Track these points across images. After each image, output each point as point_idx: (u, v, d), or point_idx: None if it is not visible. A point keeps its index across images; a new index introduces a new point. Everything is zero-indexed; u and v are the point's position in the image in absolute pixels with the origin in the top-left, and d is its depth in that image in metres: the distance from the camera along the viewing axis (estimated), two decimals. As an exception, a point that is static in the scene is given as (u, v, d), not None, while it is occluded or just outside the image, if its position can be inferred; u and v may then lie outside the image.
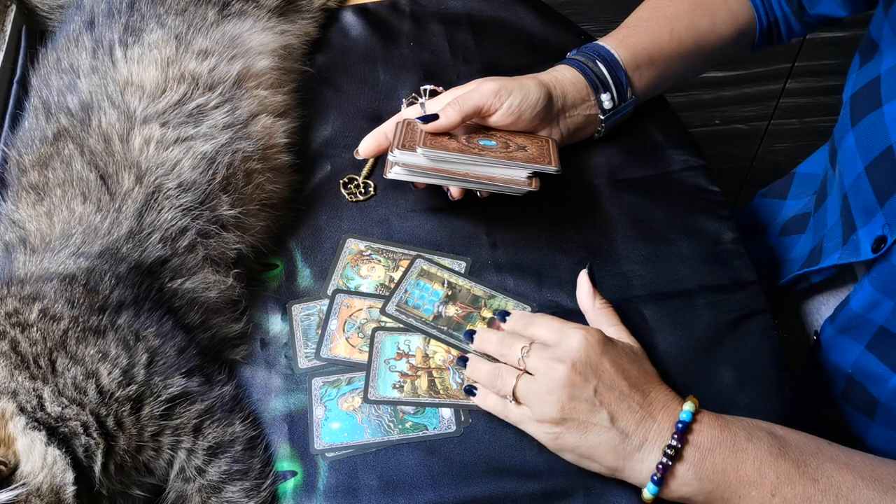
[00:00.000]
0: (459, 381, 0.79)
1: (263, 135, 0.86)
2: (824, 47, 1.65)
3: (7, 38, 0.98)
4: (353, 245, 0.88)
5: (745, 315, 0.83)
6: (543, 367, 0.72)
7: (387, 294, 0.84)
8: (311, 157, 0.94)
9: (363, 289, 0.85)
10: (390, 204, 0.91)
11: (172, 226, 0.78)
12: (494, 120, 0.86)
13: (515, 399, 0.74)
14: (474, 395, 0.77)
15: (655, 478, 0.69)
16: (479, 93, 0.84)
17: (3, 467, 0.63)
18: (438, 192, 0.89)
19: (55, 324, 0.70)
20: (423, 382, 0.79)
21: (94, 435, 0.67)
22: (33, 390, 0.67)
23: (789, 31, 1.00)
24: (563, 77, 0.89)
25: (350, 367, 0.80)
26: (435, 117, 0.83)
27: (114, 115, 0.80)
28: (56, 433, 0.67)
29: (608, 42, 0.93)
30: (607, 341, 0.74)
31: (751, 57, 1.23)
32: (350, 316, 0.83)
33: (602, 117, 0.91)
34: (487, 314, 0.83)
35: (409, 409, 0.78)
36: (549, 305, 0.84)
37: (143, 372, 0.71)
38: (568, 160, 0.84)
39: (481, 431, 0.77)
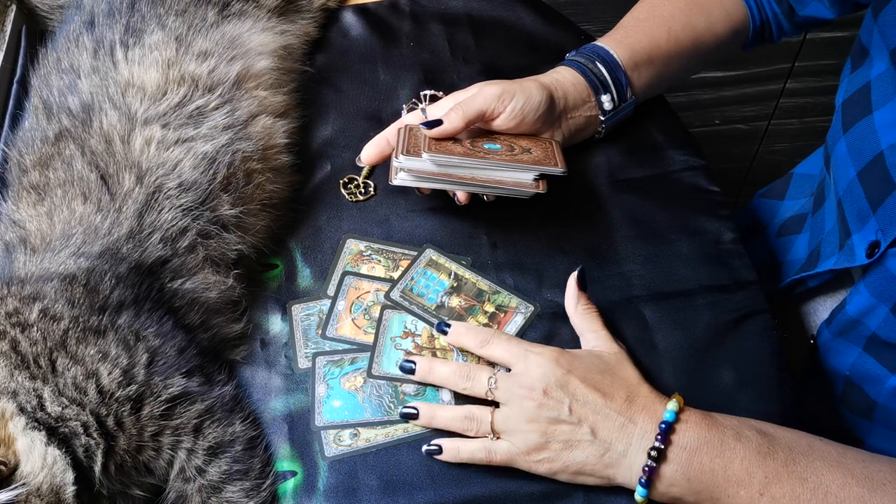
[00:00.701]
0: (464, 359, 0.79)
1: (263, 135, 0.86)
2: (824, 47, 1.65)
3: (7, 38, 0.98)
4: (353, 245, 0.88)
5: (745, 315, 0.83)
6: (516, 398, 0.72)
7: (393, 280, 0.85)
8: (311, 157, 0.94)
9: (363, 289, 0.85)
10: (390, 204, 0.91)
11: (173, 226, 0.78)
12: (498, 123, 0.86)
13: (495, 434, 0.73)
14: (441, 452, 0.74)
15: (642, 480, 0.70)
16: (481, 97, 0.84)
17: (3, 467, 0.63)
18: (439, 192, 0.89)
19: (55, 324, 0.70)
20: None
21: (95, 435, 0.67)
22: (33, 390, 0.67)
23: (780, 31, 1.00)
24: (564, 79, 0.89)
25: (354, 347, 0.81)
26: (439, 122, 0.83)
27: (115, 116, 0.80)
28: (56, 433, 0.67)
29: (606, 42, 0.93)
30: (570, 358, 0.74)
31: (751, 57, 1.24)
32: (358, 297, 0.84)
33: (602, 118, 0.92)
34: (490, 308, 0.83)
35: (410, 389, 0.78)
36: (549, 305, 0.84)
37: (143, 372, 0.71)
38: (568, 160, 0.84)
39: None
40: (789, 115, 1.80)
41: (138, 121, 0.80)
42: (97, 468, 0.67)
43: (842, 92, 0.91)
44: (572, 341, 0.80)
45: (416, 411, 0.75)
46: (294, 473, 0.75)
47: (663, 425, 0.70)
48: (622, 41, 0.93)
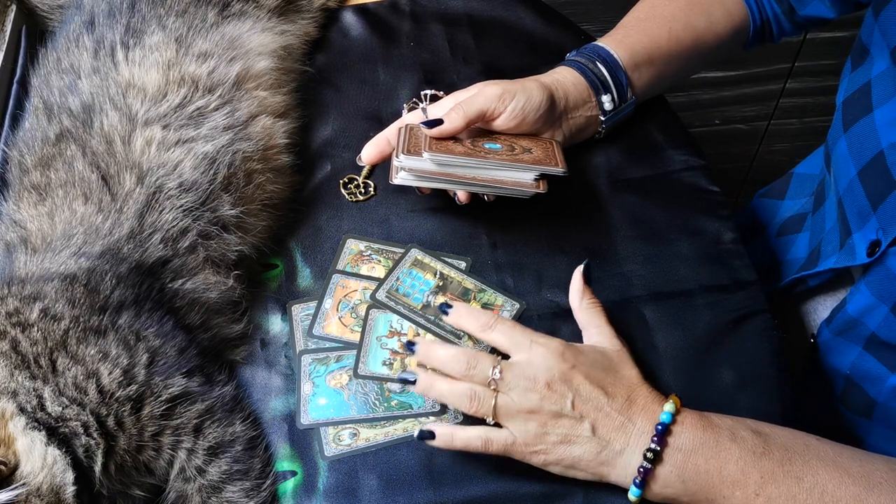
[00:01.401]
0: None
1: (263, 135, 0.86)
2: (824, 47, 1.65)
3: (7, 38, 0.98)
4: (353, 245, 0.88)
5: (745, 315, 0.83)
6: (519, 387, 0.71)
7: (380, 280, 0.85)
8: (311, 157, 0.94)
9: (363, 289, 0.86)
10: (390, 204, 0.91)
11: (173, 226, 0.78)
12: (498, 123, 0.86)
13: (494, 417, 0.72)
14: (433, 437, 0.71)
15: (637, 480, 0.70)
16: (482, 97, 0.84)
17: (3, 467, 0.63)
18: (439, 192, 0.89)
19: (56, 323, 0.70)
20: (412, 361, 0.79)
21: (95, 435, 0.67)
22: (33, 390, 0.67)
23: (780, 30, 1.00)
24: (565, 79, 0.89)
25: (340, 345, 0.81)
26: (439, 122, 0.83)
27: (115, 117, 0.80)
28: (56, 433, 0.67)
29: (607, 42, 0.93)
30: (575, 352, 0.73)
31: (751, 57, 1.24)
32: (345, 296, 0.84)
33: (603, 118, 0.92)
34: (476, 307, 0.83)
35: (395, 387, 0.79)
36: (549, 305, 0.84)
37: (143, 372, 0.71)
38: (568, 160, 0.84)
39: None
40: (789, 115, 1.80)
41: (139, 121, 0.81)
42: (97, 468, 0.67)
43: (842, 91, 0.91)
44: (572, 341, 0.80)
45: (414, 377, 0.73)
46: (294, 473, 0.75)
47: (660, 427, 0.70)
48: (623, 41, 0.93)
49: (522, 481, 0.74)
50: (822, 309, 0.98)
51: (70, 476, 0.65)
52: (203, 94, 0.84)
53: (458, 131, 0.84)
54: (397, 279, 0.85)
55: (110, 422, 0.68)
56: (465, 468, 0.75)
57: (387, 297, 0.84)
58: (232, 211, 0.81)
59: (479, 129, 0.87)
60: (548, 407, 0.70)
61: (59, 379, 0.68)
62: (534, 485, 0.74)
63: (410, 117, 0.90)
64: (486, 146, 0.84)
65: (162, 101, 0.82)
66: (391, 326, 0.82)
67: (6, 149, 0.85)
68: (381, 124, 0.94)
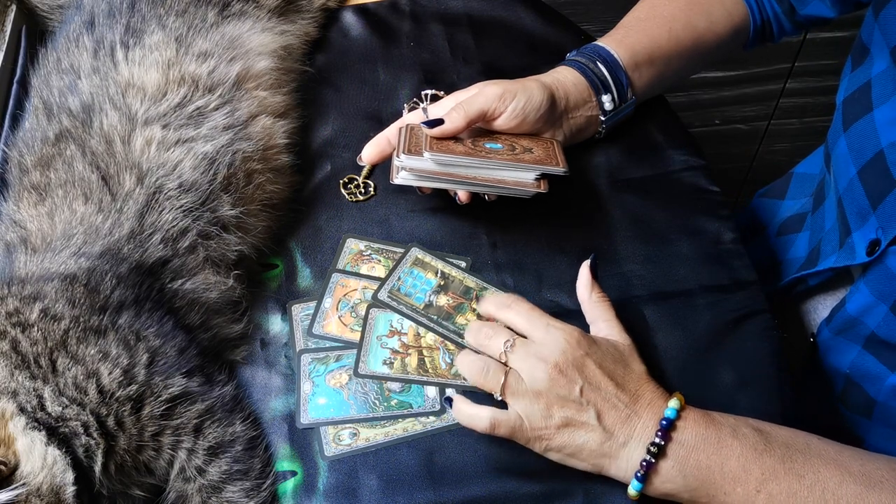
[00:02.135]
0: (449, 360, 0.79)
1: (263, 135, 0.86)
2: (824, 47, 1.65)
3: (7, 38, 0.98)
4: (353, 245, 0.88)
5: (745, 315, 0.83)
6: (528, 367, 0.71)
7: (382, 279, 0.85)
8: (311, 157, 0.94)
9: (363, 289, 0.85)
10: (390, 204, 0.91)
11: (173, 226, 0.78)
12: (499, 123, 0.86)
13: (503, 393, 0.72)
14: (450, 405, 0.74)
15: (639, 474, 0.70)
16: (483, 96, 0.84)
17: (3, 467, 0.63)
18: (439, 191, 0.89)
19: (56, 323, 0.70)
20: (412, 360, 0.80)
21: (95, 435, 0.67)
22: (33, 390, 0.67)
23: (781, 30, 1.00)
24: (565, 79, 0.89)
25: (340, 344, 0.81)
26: (440, 122, 0.83)
27: (115, 117, 0.80)
28: (56, 433, 0.67)
29: (607, 42, 0.93)
30: (589, 342, 0.73)
31: (751, 57, 1.24)
32: (345, 295, 0.84)
33: (603, 118, 0.92)
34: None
35: (395, 387, 0.79)
36: (549, 305, 0.84)
37: (143, 372, 0.71)
38: (568, 160, 0.84)
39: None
40: (789, 115, 1.80)
41: (139, 121, 0.80)
42: (97, 468, 0.67)
43: (842, 90, 0.91)
44: (572, 341, 0.80)
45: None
46: (294, 473, 0.75)
47: (664, 422, 0.70)
48: (623, 41, 0.93)
49: (522, 481, 0.74)
50: (821, 308, 0.98)
51: (70, 476, 0.65)
52: (203, 93, 0.84)
53: (459, 131, 0.84)
54: (399, 279, 0.85)
55: (110, 422, 0.68)
56: (465, 468, 0.75)
57: (389, 296, 0.84)
58: (232, 211, 0.81)
59: (480, 129, 0.87)
60: (555, 391, 0.70)
61: (59, 379, 0.68)
62: (534, 485, 0.74)
63: (411, 117, 0.90)
64: (487, 146, 0.84)
65: (162, 100, 0.82)
66: (392, 326, 0.82)
67: (6, 149, 0.85)
68: (382, 124, 0.94)
